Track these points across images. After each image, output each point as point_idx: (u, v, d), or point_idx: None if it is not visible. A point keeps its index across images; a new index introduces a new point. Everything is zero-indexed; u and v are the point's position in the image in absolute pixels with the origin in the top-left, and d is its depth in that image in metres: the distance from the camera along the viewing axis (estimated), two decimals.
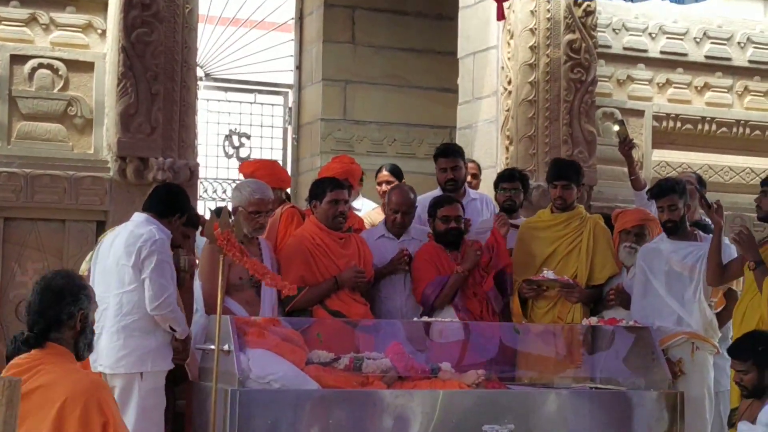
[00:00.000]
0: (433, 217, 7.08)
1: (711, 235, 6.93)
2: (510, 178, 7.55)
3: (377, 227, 7.47)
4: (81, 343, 4.21)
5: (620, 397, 6.39)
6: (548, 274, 6.97)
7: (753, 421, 5.71)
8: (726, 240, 6.91)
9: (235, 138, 11.78)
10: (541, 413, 6.09)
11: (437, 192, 7.70)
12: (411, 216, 7.24)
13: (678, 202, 6.89)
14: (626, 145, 7.90)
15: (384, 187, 8.28)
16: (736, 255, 6.73)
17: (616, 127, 8.05)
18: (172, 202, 6.25)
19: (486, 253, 7.02)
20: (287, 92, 12.28)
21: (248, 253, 5.73)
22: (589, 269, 7.15)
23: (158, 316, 5.93)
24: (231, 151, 11.74)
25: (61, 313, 4.14)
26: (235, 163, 11.48)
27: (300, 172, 12.01)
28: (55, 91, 7.50)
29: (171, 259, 6.07)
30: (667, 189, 6.93)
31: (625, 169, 8.93)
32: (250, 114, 11.93)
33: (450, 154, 7.68)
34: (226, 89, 11.78)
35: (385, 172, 8.50)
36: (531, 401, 6.13)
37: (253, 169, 7.37)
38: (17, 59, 7.42)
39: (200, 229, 6.81)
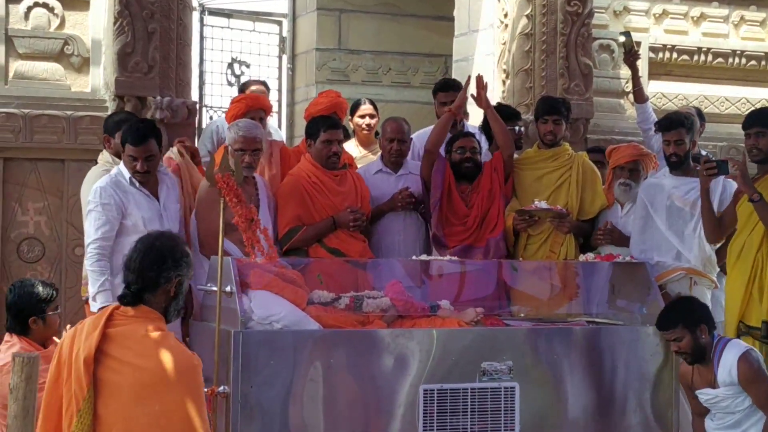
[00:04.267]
0: (450, 150, 7.15)
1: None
2: (508, 117, 7.56)
3: (374, 162, 7.49)
4: (172, 308, 4.23)
5: (617, 332, 6.45)
6: (540, 204, 7.00)
7: (711, 387, 5.83)
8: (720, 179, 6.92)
9: (236, 66, 11.74)
10: (539, 349, 6.16)
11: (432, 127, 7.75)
12: (407, 145, 7.28)
13: (685, 137, 6.92)
14: (631, 55, 8.07)
15: (367, 120, 8.22)
16: (732, 192, 6.77)
17: (622, 38, 8.24)
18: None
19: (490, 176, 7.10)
20: (282, 21, 12.23)
21: (245, 200, 5.76)
22: (579, 203, 7.21)
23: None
24: (233, 79, 11.70)
25: (159, 277, 4.15)
26: (236, 91, 11.47)
27: (295, 102, 12.02)
28: (52, 30, 7.50)
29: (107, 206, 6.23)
30: (676, 123, 6.95)
31: (622, 101, 9.05)
32: (250, 42, 11.88)
33: (449, 88, 7.75)
34: (229, 16, 11.70)
35: (367, 105, 8.32)
36: (529, 338, 6.19)
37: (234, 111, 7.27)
38: None
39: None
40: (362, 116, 8.23)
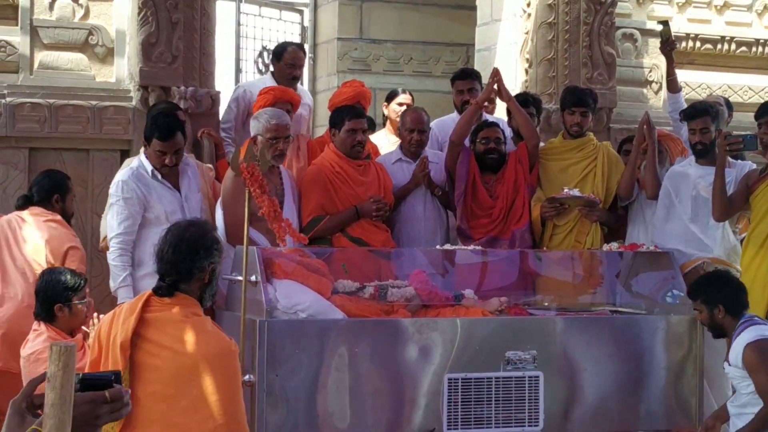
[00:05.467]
0: (474, 141, 7.16)
1: (738, 161, 6.98)
2: (524, 104, 7.56)
3: (393, 152, 7.50)
4: (207, 294, 4.30)
5: (640, 321, 6.46)
6: (573, 191, 7.01)
7: (727, 362, 5.84)
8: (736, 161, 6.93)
9: (266, 55, 11.74)
10: (563, 339, 6.18)
11: (454, 116, 7.77)
12: (426, 135, 7.28)
13: (710, 125, 6.92)
14: (668, 45, 8.03)
15: (405, 108, 8.24)
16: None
17: (660, 27, 8.18)
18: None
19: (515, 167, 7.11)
20: (304, 11, 12.23)
21: (268, 190, 5.79)
22: (605, 193, 7.22)
23: None
24: (263, 68, 11.70)
25: (193, 268, 4.21)
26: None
27: (317, 92, 12.01)
28: (76, 20, 7.53)
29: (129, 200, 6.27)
30: (701, 111, 6.97)
31: (645, 90, 9.01)
32: (277, 31, 11.87)
33: (467, 76, 7.79)
34: (261, 4, 11.69)
35: (407, 95, 8.40)
36: (553, 327, 6.21)
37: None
38: None
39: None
40: (400, 104, 8.25)
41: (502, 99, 7.22)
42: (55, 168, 6.96)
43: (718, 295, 5.86)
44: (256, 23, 11.61)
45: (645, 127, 7.08)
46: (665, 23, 8.15)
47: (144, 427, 4.03)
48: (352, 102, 7.24)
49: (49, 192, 6.56)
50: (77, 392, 2.29)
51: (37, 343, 5.52)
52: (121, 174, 6.42)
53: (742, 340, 5.69)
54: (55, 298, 5.53)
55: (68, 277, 5.58)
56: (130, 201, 6.27)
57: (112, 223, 6.29)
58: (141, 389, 4.05)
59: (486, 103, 7.86)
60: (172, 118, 6.52)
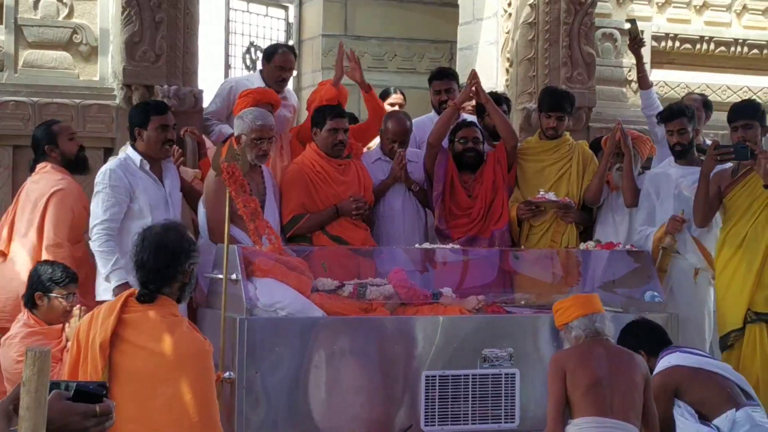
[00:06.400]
0: (453, 140, 7.23)
1: None
2: (495, 103, 7.61)
3: (374, 150, 7.57)
4: (186, 292, 4.41)
5: (617, 319, 6.52)
6: (550, 195, 7.10)
7: None
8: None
9: (253, 50, 11.78)
10: (540, 337, 6.27)
11: (432, 115, 7.84)
12: (407, 144, 7.32)
13: (687, 126, 7.01)
14: (636, 43, 8.16)
15: (397, 108, 8.28)
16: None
17: (628, 25, 8.32)
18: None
19: (493, 168, 7.18)
20: (289, 7, 12.27)
21: (248, 189, 5.87)
22: (580, 192, 7.31)
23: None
24: (250, 64, 11.75)
25: (176, 273, 4.31)
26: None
27: (302, 88, 12.06)
28: (60, 19, 7.55)
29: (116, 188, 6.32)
30: (677, 112, 7.06)
31: (624, 90, 9.10)
32: (264, 27, 11.91)
33: (444, 76, 7.86)
34: (248, 0, 11.72)
35: (398, 95, 8.49)
36: (530, 325, 6.31)
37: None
38: None
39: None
40: (392, 104, 8.31)
41: (479, 101, 7.30)
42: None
43: (637, 342, 5.88)
44: (244, 19, 11.67)
45: (618, 136, 7.14)
46: (632, 21, 8.28)
47: (120, 427, 4.11)
48: (332, 102, 7.30)
49: (39, 147, 6.73)
50: (69, 400, 2.38)
51: (14, 328, 5.68)
52: (109, 164, 6.50)
53: (657, 368, 5.76)
54: (38, 286, 5.65)
55: (57, 270, 5.70)
56: (117, 189, 6.32)
57: (96, 211, 6.30)
58: (118, 389, 4.14)
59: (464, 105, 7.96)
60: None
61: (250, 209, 5.76)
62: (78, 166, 6.77)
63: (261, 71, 7.82)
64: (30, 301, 5.69)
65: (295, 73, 11.88)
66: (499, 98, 7.61)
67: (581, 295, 5.74)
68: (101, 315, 4.31)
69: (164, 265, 4.29)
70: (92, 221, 6.31)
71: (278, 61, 7.63)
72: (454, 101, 7.30)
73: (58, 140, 6.69)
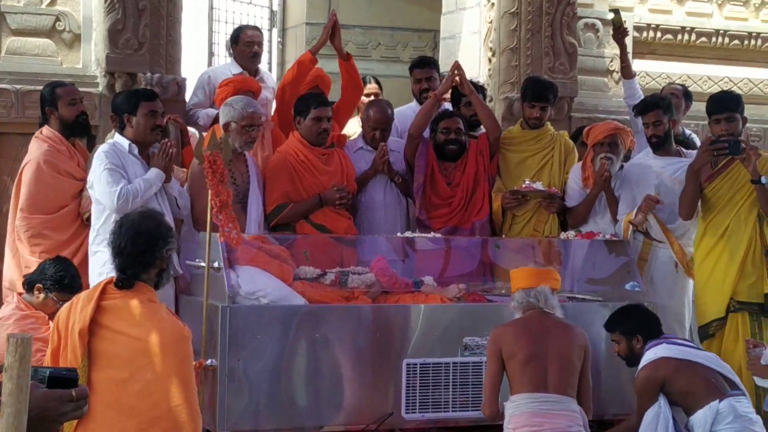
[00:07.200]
0: (435, 130, 7.25)
1: (693, 150, 7.11)
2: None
3: (356, 139, 7.58)
4: (163, 278, 4.47)
5: (596, 308, 6.61)
6: (537, 185, 7.13)
7: None
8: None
9: None
10: None
11: (414, 105, 7.86)
12: (389, 132, 7.36)
13: (663, 117, 7.05)
14: (620, 32, 8.23)
15: (372, 98, 8.31)
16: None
17: (611, 15, 8.40)
18: None
19: (476, 159, 7.22)
20: None
21: (227, 180, 5.88)
22: (562, 183, 7.35)
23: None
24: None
25: (154, 259, 4.37)
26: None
27: (284, 75, 12.04)
28: (43, 6, 7.55)
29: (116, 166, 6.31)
30: (652, 105, 7.10)
31: (606, 80, 9.14)
32: (247, 15, 11.90)
33: (424, 65, 7.90)
34: None
35: (373, 84, 8.47)
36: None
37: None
38: None
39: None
40: (368, 95, 8.29)
41: (463, 92, 7.33)
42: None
43: (635, 326, 5.99)
44: (228, 7, 11.66)
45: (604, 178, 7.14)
46: (616, 11, 8.36)
47: (100, 412, 4.15)
48: (309, 86, 7.31)
49: (42, 106, 6.79)
50: (45, 388, 2.41)
51: (5, 309, 5.76)
52: (101, 147, 6.45)
53: (641, 363, 5.85)
54: (42, 280, 5.75)
55: (66, 275, 5.87)
56: (116, 167, 6.28)
57: (106, 189, 6.16)
58: (97, 375, 4.18)
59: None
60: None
61: (220, 200, 5.76)
62: (76, 130, 6.79)
63: (234, 57, 7.94)
64: (30, 287, 5.78)
65: (276, 58, 11.99)
66: (476, 88, 7.63)
67: (529, 268, 5.80)
68: (80, 303, 4.36)
69: (142, 251, 4.36)
70: (106, 199, 6.19)
71: (244, 38, 7.84)
72: (434, 92, 7.32)
73: (59, 104, 6.72)
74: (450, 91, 7.62)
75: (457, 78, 7.21)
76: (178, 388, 4.21)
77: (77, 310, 4.33)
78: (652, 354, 5.83)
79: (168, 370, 4.20)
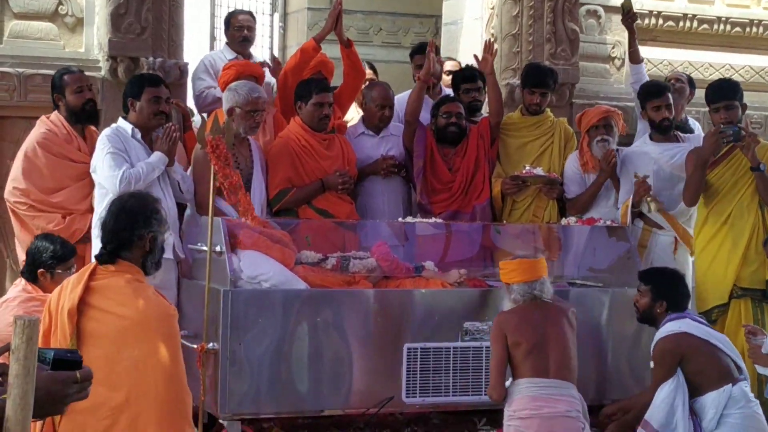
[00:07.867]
0: (436, 115, 7.26)
1: (690, 134, 7.13)
2: (471, 79, 7.68)
3: (357, 124, 7.61)
4: (149, 262, 4.49)
5: (596, 293, 6.64)
6: (537, 170, 7.16)
7: None
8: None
9: None
10: None
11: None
12: (392, 110, 7.40)
13: (672, 101, 7.11)
14: (629, 17, 8.24)
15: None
16: None
17: (618, 1, 8.39)
18: None
19: (476, 143, 7.24)
20: None
21: (231, 163, 5.91)
22: (562, 169, 7.38)
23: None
24: None
25: (132, 236, 4.41)
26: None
27: (287, 61, 12.03)
28: None
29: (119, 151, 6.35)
30: (664, 87, 7.33)
31: (607, 66, 9.13)
32: (249, 0, 11.90)
33: (424, 51, 7.85)
34: None
35: (369, 70, 8.48)
36: None
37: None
38: None
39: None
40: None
41: (483, 69, 7.34)
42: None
43: (668, 291, 6.01)
44: None
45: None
46: None
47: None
48: (312, 71, 7.33)
49: (52, 92, 6.81)
50: (50, 371, 2.44)
51: (12, 291, 5.76)
52: (105, 131, 6.48)
53: (661, 332, 5.87)
54: (41, 263, 5.73)
55: (57, 246, 5.78)
56: (121, 151, 6.34)
57: (109, 172, 6.24)
58: (86, 354, 4.21)
59: (445, 76, 8.01)
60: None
61: (230, 183, 5.80)
62: (82, 117, 6.77)
63: (226, 43, 8.05)
64: (31, 274, 5.76)
65: (277, 43, 12.00)
66: (475, 73, 7.65)
67: (526, 260, 5.82)
68: (70, 284, 4.47)
69: (122, 227, 4.43)
70: (109, 182, 6.25)
71: (235, 22, 7.99)
72: (419, 75, 7.34)
73: (66, 91, 6.73)
74: (451, 76, 7.64)
75: (476, 55, 7.26)
76: (165, 365, 4.27)
77: (67, 291, 4.42)
78: (675, 326, 5.85)
79: (155, 348, 4.27)
